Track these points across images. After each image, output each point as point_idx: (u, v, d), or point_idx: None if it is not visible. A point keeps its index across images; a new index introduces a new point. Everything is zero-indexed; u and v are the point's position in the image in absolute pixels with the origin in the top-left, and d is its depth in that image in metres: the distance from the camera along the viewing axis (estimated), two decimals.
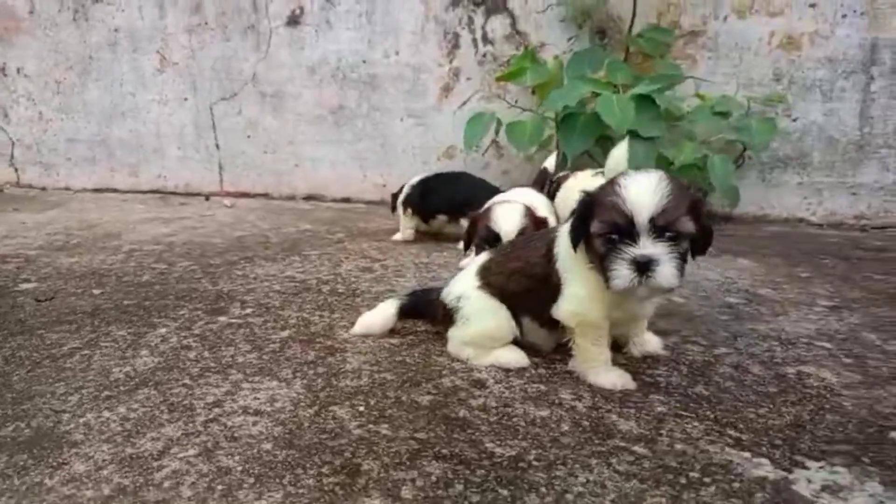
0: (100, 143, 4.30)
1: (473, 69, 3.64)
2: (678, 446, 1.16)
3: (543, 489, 1.01)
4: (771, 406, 1.33)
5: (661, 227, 1.23)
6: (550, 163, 2.63)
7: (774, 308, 1.97)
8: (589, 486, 1.02)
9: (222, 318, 1.80)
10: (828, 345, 1.67)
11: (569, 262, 1.40)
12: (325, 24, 3.80)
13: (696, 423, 1.24)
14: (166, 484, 1.02)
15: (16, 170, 4.49)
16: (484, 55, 3.64)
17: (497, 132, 3.26)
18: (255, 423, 1.21)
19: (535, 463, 1.09)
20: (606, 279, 1.28)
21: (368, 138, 3.88)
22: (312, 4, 3.79)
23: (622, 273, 1.24)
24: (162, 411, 1.26)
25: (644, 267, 1.23)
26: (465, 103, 3.40)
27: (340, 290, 2.09)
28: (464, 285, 1.53)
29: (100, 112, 4.25)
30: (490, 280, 1.51)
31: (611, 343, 1.46)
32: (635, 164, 2.78)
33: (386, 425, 1.21)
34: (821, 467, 1.09)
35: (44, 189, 4.42)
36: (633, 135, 2.87)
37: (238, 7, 3.90)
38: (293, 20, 3.84)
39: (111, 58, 4.17)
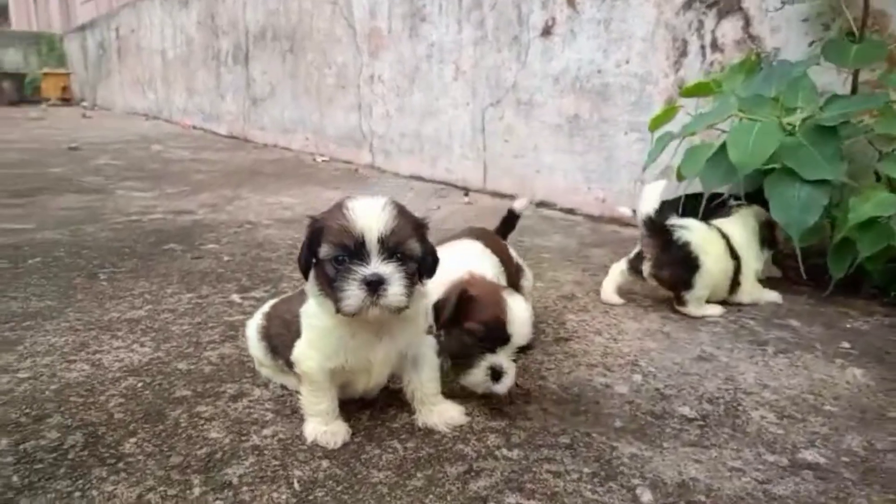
0: (416, 137, 5.20)
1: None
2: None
3: (97, 461, 1.25)
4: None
5: (390, 249, 1.26)
6: (520, 204, 2.19)
7: (719, 436, 1.46)
8: (110, 476, 1.21)
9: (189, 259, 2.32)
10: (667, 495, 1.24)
11: (305, 312, 1.44)
12: (570, 33, 3.81)
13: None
14: None
15: (372, 155, 5.78)
16: (711, 64, 3.14)
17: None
18: None
19: (111, 448, 1.30)
20: (337, 304, 1.28)
21: (595, 151, 3.77)
22: (562, 14, 3.84)
23: (354, 293, 1.24)
24: None
25: (374, 287, 1.24)
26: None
27: None
28: (259, 313, 1.68)
29: (419, 112, 5.14)
30: (269, 314, 1.63)
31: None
32: (788, 217, 2.23)
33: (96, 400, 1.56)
34: None
35: (383, 171, 5.59)
36: (794, 176, 2.26)
37: (508, 20, 4.20)
38: (546, 31, 3.95)
39: (427, 67, 4.97)
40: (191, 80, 9.57)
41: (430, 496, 1.22)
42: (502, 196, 4.41)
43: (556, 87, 3.94)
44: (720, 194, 2.64)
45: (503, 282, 1.74)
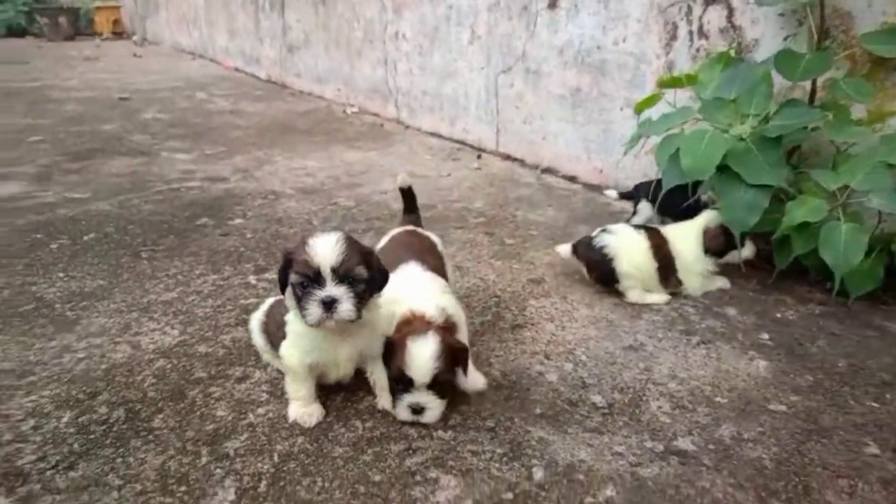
0: (436, 96, 5.44)
1: (685, 64, 3.34)
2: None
3: (135, 437, 1.70)
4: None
5: (341, 275, 1.65)
6: (401, 180, 2.41)
7: (616, 423, 1.82)
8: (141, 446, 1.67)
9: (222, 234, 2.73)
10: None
11: (289, 318, 1.84)
12: (573, 8, 3.95)
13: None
14: None
15: (397, 109, 6.05)
16: (697, 49, 3.29)
17: None
18: None
19: (145, 422, 1.75)
20: (303, 317, 1.69)
21: (594, 123, 3.98)
22: None
23: (314, 310, 1.65)
24: None
25: (329, 305, 1.65)
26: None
27: None
28: (261, 310, 2.09)
29: (439, 72, 5.35)
30: (268, 312, 2.03)
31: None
32: (732, 216, 2.48)
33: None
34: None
35: (407, 127, 5.87)
36: (740, 179, 2.50)
37: None
38: (552, 3, 4.10)
39: (446, 29, 5.15)
40: (231, 21, 9.83)
41: (374, 469, 1.64)
42: (513, 159, 4.68)
43: (561, 59, 4.12)
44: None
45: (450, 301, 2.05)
